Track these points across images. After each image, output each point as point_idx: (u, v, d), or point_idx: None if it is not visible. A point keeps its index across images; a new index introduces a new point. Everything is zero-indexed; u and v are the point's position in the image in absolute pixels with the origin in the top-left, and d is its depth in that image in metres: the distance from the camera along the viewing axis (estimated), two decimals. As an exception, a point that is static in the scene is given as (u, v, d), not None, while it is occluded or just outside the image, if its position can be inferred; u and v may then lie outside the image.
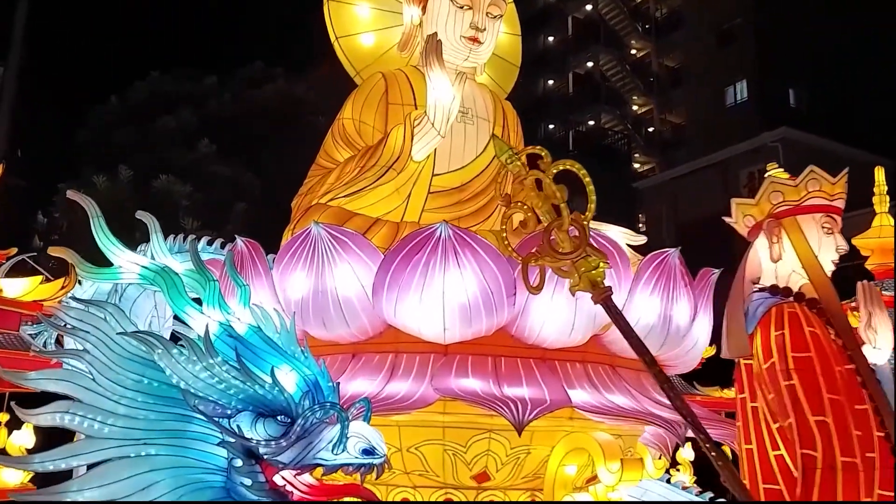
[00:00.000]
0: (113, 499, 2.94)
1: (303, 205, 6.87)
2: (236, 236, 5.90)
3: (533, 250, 4.21)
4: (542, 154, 4.19)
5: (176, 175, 18.52)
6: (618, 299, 5.45)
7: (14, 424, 8.42)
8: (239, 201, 19.20)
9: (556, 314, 5.23)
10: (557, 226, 4.03)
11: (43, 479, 3.35)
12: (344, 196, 6.56)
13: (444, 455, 5.59)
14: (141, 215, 3.74)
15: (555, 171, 4.12)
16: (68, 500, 2.93)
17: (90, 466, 3.05)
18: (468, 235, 5.15)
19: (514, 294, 5.18)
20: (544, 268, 4.26)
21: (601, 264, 4.01)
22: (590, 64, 43.48)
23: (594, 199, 4.09)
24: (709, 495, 6.23)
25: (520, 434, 4.55)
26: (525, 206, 4.22)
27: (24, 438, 8.31)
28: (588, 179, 4.09)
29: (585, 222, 4.05)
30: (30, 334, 4.53)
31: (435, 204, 7.19)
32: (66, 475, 3.21)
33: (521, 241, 4.75)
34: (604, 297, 4.00)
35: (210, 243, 6.30)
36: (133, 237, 3.98)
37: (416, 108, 7.02)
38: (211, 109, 21.11)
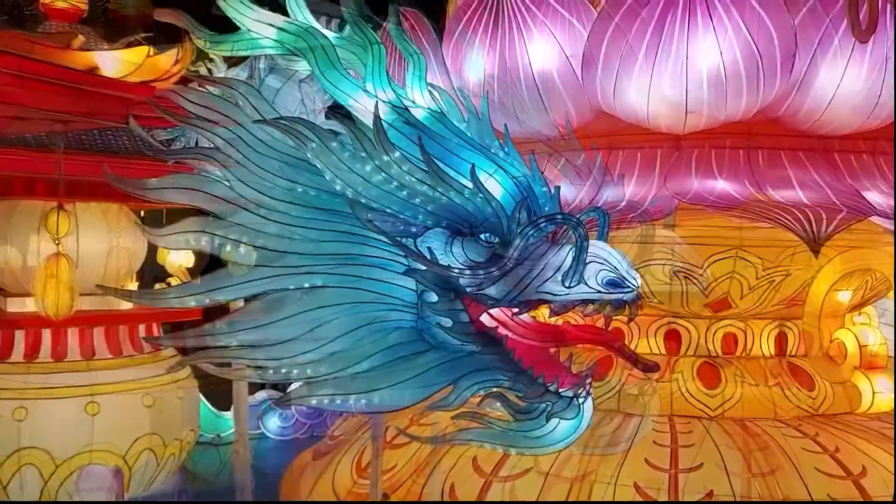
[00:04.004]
0: (272, 342, 2.19)
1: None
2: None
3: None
4: None
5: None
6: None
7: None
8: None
9: (854, 83, 3.63)
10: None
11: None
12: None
13: (672, 278, 4.38)
14: None
15: None
16: (219, 343, 2.18)
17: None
18: (727, -30, 3.53)
19: (794, 56, 3.61)
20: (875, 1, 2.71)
21: None
22: None
23: None
24: None
25: (817, 255, 3.20)
26: None
27: (181, 256, 7.81)
28: None
29: None
30: (164, 139, 3.53)
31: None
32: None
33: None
34: None
35: None
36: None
37: None
38: None
